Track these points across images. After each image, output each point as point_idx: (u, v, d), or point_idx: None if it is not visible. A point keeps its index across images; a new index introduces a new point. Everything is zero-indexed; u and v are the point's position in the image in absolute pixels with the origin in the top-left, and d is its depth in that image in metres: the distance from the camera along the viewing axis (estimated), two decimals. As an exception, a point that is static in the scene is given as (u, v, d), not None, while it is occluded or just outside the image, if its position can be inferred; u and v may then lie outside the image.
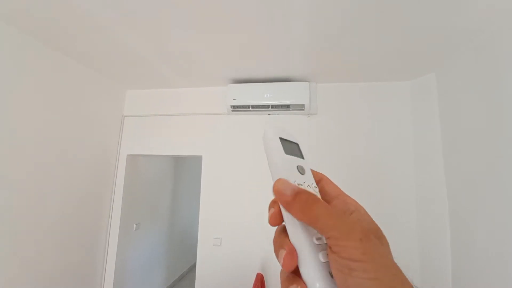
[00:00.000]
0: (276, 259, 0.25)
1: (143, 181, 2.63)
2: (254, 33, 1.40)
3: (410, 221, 1.79)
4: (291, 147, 0.28)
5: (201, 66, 1.86)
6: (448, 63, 1.60)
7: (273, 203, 0.27)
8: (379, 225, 0.25)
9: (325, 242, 0.23)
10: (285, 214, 0.25)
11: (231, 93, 2.00)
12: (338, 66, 1.78)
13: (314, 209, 0.23)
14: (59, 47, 1.64)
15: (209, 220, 2.09)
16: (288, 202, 0.24)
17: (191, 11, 1.23)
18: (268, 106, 1.96)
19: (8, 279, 1.42)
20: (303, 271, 0.23)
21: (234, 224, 2.03)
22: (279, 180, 0.25)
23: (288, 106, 1.94)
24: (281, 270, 0.25)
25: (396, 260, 0.21)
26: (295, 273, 0.24)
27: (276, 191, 0.25)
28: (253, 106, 1.98)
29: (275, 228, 0.28)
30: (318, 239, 0.24)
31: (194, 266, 2.25)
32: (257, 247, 1.95)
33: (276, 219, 0.27)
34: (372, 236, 0.21)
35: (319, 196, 0.27)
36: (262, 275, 1.81)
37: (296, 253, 0.23)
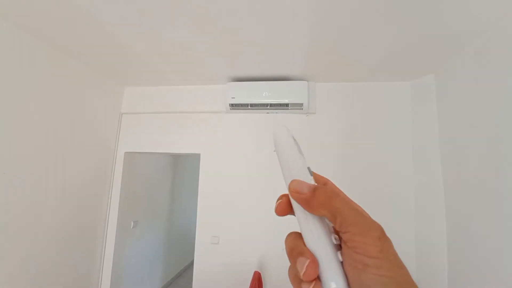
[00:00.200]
0: (287, 261, 0.25)
1: (141, 179, 2.62)
2: (254, 32, 1.40)
3: (407, 221, 1.80)
4: (299, 147, 0.29)
5: (200, 64, 1.85)
6: (448, 64, 1.60)
7: (282, 196, 0.27)
8: None
9: (339, 243, 0.23)
10: (302, 214, 0.25)
11: (230, 91, 2.00)
12: (337, 66, 1.79)
13: (336, 202, 0.23)
14: (56, 44, 1.62)
15: (207, 218, 2.09)
16: (307, 199, 0.24)
17: (190, 10, 1.22)
18: (266, 104, 1.96)
19: (6, 277, 1.42)
20: (322, 270, 0.23)
21: (232, 222, 2.03)
22: (293, 181, 0.25)
23: (287, 105, 1.94)
24: (290, 267, 0.25)
25: None
26: None
27: (293, 190, 0.25)
28: (251, 105, 1.98)
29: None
30: (335, 238, 0.24)
31: (192, 264, 2.25)
32: (254, 245, 1.96)
33: (283, 209, 0.27)
34: (387, 236, 0.22)
35: None
36: (259, 273, 1.81)
37: (317, 261, 0.23)
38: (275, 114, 2.07)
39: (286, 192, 0.27)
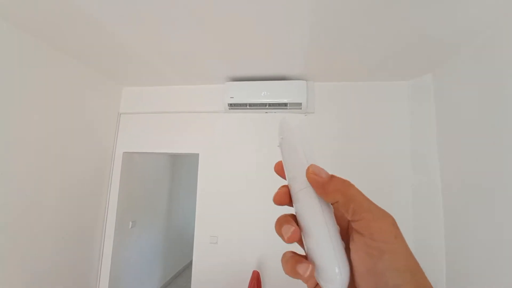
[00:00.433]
0: (279, 239, 0.26)
1: (140, 179, 2.61)
2: (253, 31, 1.39)
3: (405, 221, 1.80)
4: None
5: (198, 64, 1.85)
6: (446, 64, 1.60)
7: (282, 186, 0.28)
8: None
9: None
10: (308, 200, 0.25)
11: (229, 91, 1.99)
12: (336, 66, 1.78)
13: (351, 189, 0.24)
14: (55, 44, 1.62)
15: (205, 218, 2.09)
16: (324, 182, 0.25)
17: (189, 9, 1.21)
18: (265, 104, 1.95)
19: (5, 277, 1.41)
20: (321, 253, 0.23)
21: (231, 222, 2.03)
22: (313, 164, 0.26)
23: (286, 104, 1.93)
24: (284, 254, 0.26)
25: None
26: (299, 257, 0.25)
27: (312, 172, 0.25)
28: (250, 104, 1.97)
29: (273, 227, 0.28)
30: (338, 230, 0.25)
31: (191, 263, 2.25)
32: (253, 245, 1.95)
33: (281, 198, 0.27)
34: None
35: None
36: (258, 273, 1.81)
37: (299, 232, 0.25)
38: (273, 113, 2.07)
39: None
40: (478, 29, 1.26)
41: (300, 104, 1.91)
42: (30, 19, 1.35)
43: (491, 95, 1.25)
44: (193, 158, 2.86)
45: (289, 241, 0.24)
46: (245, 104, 1.98)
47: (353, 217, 0.23)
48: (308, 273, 0.23)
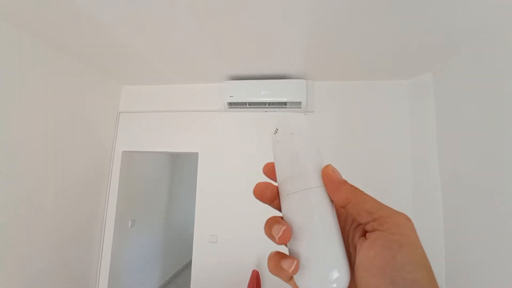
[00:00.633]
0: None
1: (139, 178, 2.61)
2: (252, 30, 1.39)
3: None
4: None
5: (198, 63, 1.84)
6: (445, 62, 1.60)
7: (264, 182, 0.29)
8: None
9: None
10: (321, 197, 0.25)
11: (228, 90, 1.99)
12: (335, 65, 1.78)
13: (362, 193, 0.24)
14: (55, 44, 1.61)
15: (205, 217, 2.08)
16: (340, 182, 0.25)
17: (189, 8, 1.21)
18: (265, 103, 1.95)
19: (4, 277, 1.41)
20: (327, 254, 0.23)
21: (230, 221, 2.03)
22: (330, 164, 0.26)
23: (285, 103, 1.93)
24: (270, 253, 0.26)
25: None
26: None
27: (331, 170, 0.26)
28: (250, 103, 1.97)
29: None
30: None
31: (190, 263, 2.25)
32: (253, 244, 1.95)
33: (264, 192, 0.28)
34: None
35: None
36: (257, 272, 1.81)
37: (291, 229, 0.24)
38: (273, 112, 2.07)
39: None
40: (477, 29, 1.26)
41: (299, 103, 1.91)
42: (30, 19, 1.35)
43: (491, 93, 1.25)
44: (192, 157, 2.86)
45: (280, 241, 0.24)
46: (245, 103, 1.98)
47: (369, 217, 0.23)
48: (293, 268, 0.23)
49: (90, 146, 2.03)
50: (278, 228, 0.24)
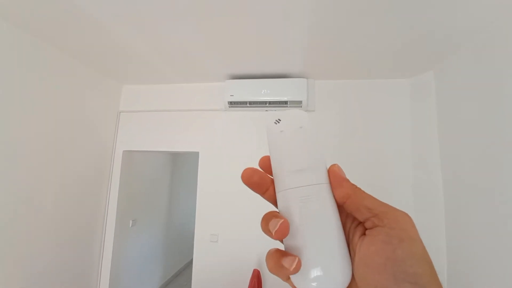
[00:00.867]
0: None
1: (140, 177, 2.62)
2: (253, 29, 1.39)
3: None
4: None
5: (198, 62, 1.84)
6: (447, 61, 1.59)
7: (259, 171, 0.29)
8: None
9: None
10: (327, 193, 0.25)
11: (229, 89, 1.99)
12: (336, 63, 1.78)
13: (363, 191, 0.25)
14: (55, 44, 1.61)
15: (205, 217, 2.09)
16: (345, 179, 0.26)
17: (189, 8, 1.21)
18: (265, 102, 1.95)
19: (4, 277, 1.41)
20: (330, 251, 0.23)
21: (231, 221, 2.03)
22: (337, 164, 0.27)
23: (286, 102, 1.93)
24: (268, 251, 0.26)
25: None
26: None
27: (338, 168, 0.27)
28: (250, 102, 1.97)
29: None
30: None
31: (191, 262, 2.25)
32: (253, 243, 1.95)
33: (261, 179, 0.28)
34: None
35: None
36: (258, 271, 1.82)
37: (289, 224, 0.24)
38: (274, 111, 2.06)
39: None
40: (478, 28, 1.25)
41: (300, 102, 1.91)
42: (30, 19, 1.34)
43: (492, 92, 1.24)
44: (193, 156, 2.86)
45: (277, 235, 0.23)
46: (245, 102, 1.97)
47: (369, 213, 0.23)
48: (294, 265, 0.22)
49: (90, 145, 2.04)
50: (275, 221, 0.24)
